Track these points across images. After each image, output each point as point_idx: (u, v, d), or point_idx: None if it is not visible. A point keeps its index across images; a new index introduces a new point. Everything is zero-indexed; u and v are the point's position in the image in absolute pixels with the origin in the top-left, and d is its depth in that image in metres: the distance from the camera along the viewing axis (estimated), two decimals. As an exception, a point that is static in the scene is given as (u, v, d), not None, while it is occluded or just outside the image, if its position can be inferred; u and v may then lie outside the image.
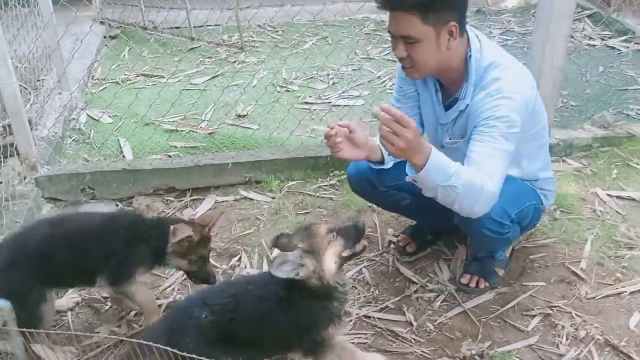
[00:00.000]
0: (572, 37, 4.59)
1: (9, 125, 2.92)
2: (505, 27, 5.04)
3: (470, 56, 1.87)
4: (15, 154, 2.94)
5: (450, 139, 2.04)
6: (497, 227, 1.95)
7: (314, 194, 2.93)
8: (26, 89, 3.54)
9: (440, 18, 1.76)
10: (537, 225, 2.38)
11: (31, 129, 2.98)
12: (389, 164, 2.12)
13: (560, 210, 2.64)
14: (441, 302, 2.21)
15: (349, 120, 2.28)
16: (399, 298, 2.25)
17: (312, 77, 4.21)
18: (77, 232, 2.05)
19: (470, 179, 1.70)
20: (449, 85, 1.98)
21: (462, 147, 1.91)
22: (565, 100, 3.69)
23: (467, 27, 1.88)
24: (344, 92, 3.96)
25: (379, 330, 2.12)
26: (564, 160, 3.03)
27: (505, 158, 1.79)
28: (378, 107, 1.63)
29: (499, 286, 2.26)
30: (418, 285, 2.29)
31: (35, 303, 1.98)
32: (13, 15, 3.54)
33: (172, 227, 1.99)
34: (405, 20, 1.77)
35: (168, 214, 2.84)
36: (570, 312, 2.12)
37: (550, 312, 2.13)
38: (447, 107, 2.00)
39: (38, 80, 3.68)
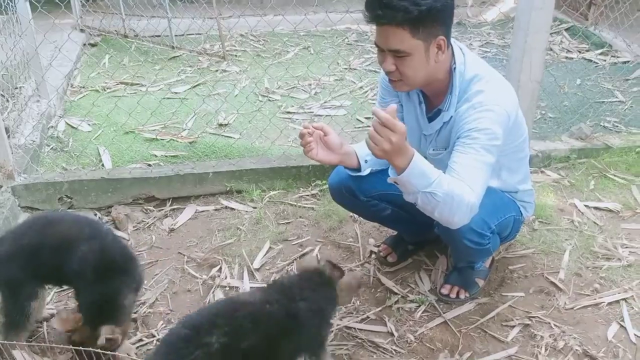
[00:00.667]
0: (550, 49, 4.68)
1: (-15, 133, 2.86)
2: (485, 39, 5.12)
3: (454, 69, 1.89)
4: (-9, 162, 2.88)
5: (433, 150, 2.05)
6: (477, 238, 1.97)
7: (295, 203, 2.92)
8: (3, 96, 3.48)
9: (429, 32, 1.77)
10: (517, 236, 2.41)
11: (8, 137, 2.93)
12: (366, 171, 2.13)
13: (539, 221, 2.67)
14: (422, 313, 2.21)
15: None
16: (380, 309, 2.25)
17: (294, 87, 4.22)
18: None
19: (451, 188, 1.70)
20: (433, 97, 1.99)
21: (446, 158, 1.93)
22: (543, 112, 3.74)
23: (452, 40, 1.90)
24: (325, 102, 3.98)
25: (360, 341, 2.11)
26: (542, 172, 3.07)
27: (486, 170, 1.80)
28: (375, 108, 1.65)
29: (479, 297, 2.27)
30: (399, 296, 2.30)
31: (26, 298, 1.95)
32: (-10, 22, 3.49)
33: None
34: (395, 35, 1.75)
35: (147, 223, 2.81)
36: (549, 323, 2.13)
37: (529, 322, 2.14)
38: (431, 119, 2.02)
39: (16, 88, 3.62)
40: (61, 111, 3.76)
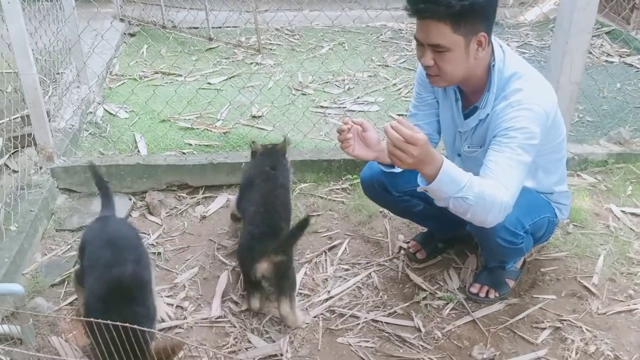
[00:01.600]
0: (590, 52, 4.58)
1: (28, 116, 2.95)
2: (523, 40, 5.04)
3: (493, 65, 1.87)
4: (32, 144, 2.97)
5: (468, 147, 2.03)
6: (510, 237, 1.95)
7: (325, 196, 2.94)
8: (45, 81, 3.57)
9: (470, 28, 1.75)
10: (550, 238, 2.37)
11: (49, 120, 3.01)
12: (399, 168, 2.12)
13: (574, 225, 2.63)
14: (450, 310, 2.21)
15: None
16: (407, 304, 2.24)
17: (327, 82, 4.22)
18: None
19: (482, 190, 1.68)
20: (470, 94, 1.97)
21: (480, 156, 1.91)
22: (581, 115, 3.67)
23: (492, 37, 1.88)
24: (358, 97, 3.97)
25: (386, 335, 2.11)
26: (578, 175, 3.02)
27: (523, 169, 1.78)
28: (388, 125, 1.60)
29: (509, 297, 2.25)
30: (427, 293, 2.29)
31: None
32: (36, 8, 3.58)
33: None
34: (436, 29, 1.74)
35: (180, 210, 2.86)
36: (581, 327, 2.10)
37: (560, 325, 2.11)
38: (467, 116, 2.00)
39: (57, 73, 3.72)
40: (100, 98, 3.85)
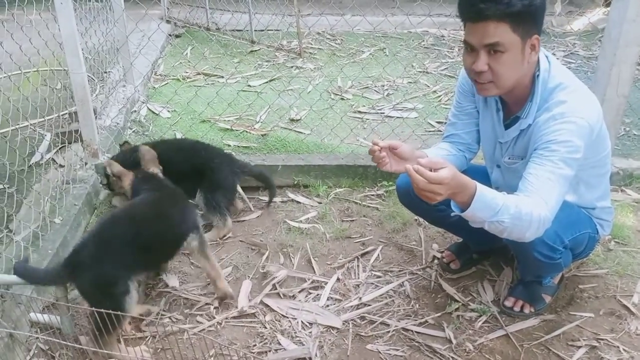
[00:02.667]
0: (639, 65, 4.43)
1: (75, 113, 3.06)
2: (569, 49, 4.92)
3: (537, 75, 1.83)
4: (78, 140, 3.08)
5: (509, 158, 2.00)
6: (549, 252, 1.90)
7: (360, 202, 2.94)
8: (93, 79, 3.70)
9: (527, 30, 1.72)
10: (590, 254, 2.31)
11: (95, 118, 3.11)
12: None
13: (616, 241, 2.55)
14: (482, 323, 2.17)
15: (398, 139, 2.30)
16: (439, 314, 2.22)
17: (367, 87, 4.23)
18: None
19: (518, 211, 1.65)
20: (512, 104, 1.94)
21: (521, 168, 1.87)
22: (627, 129, 3.56)
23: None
24: (397, 103, 3.96)
25: (416, 344, 2.09)
26: (622, 190, 2.92)
27: (563, 183, 1.74)
28: (410, 168, 1.58)
29: (544, 313, 2.20)
30: (460, 304, 2.26)
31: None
32: (87, 8, 3.72)
33: None
34: (495, 28, 1.69)
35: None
36: (618, 347, 2.03)
37: (597, 344, 2.05)
38: (508, 126, 1.97)
39: (105, 72, 3.85)
40: (144, 97, 3.96)
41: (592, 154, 1.86)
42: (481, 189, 1.64)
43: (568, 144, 1.72)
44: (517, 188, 1.76)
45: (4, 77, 2.58)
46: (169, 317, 2.23)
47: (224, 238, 2.70)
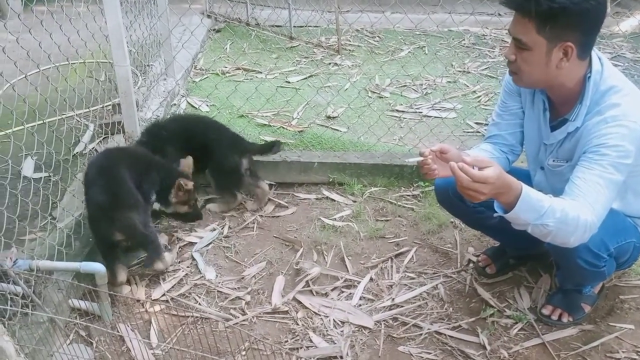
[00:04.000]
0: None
1: (119, 104, 3.12)
2: (616, 51, 4.77)
3: (589, 77, 1.78)
4: (121, 131, 3.15)
5: (553, 161, 1.95)
6: (593, 259, 1.85)
7: (395, 202, 2.92)
8: (136, 72, 3.77)
9: (556, 34, 1.68)
10: (633, 265, 2.24)
11: (137, 110, 3.18)
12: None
13: (660, 252, 2.46)
14: (518, 330, 2.13)
15: (441, 142, 2.28)
16: (473, 319, 2.19)
17: (405, 86, 4.19)
18: None
19: (564, 214, 1.62)
20: (560, 105, 1.89)
21: (566, 171, 1.83)
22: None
23: (593, 50, 1.79)
24: (436, 103, 3.91)
25: (449, 348, 2.07)
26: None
27: (612, 189, 1.69)
28: (455, 166, 1.58)
29: (583, 323, 2.14)
30: (495, 309, 2.22)
31: None
32: (132, 2, 3.79)
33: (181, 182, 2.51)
34: (521, 24, 1.71)
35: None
36: (660, 362, 1.97)
37: (636, 357, 1.99)
38: (554, 127, 1.92)
39: (147, 65, 3.91)
40: (184, 90, 4.01)
41: (638, 161, 1.80)
42: (527, 190, 1.62)
43: (619, 149, 1.68)
44: (560, 192, 1.72)
45: (52, 67, 2.65)
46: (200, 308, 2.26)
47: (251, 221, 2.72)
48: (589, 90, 1.78)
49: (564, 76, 1.78)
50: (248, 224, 2.80)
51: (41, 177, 2.84)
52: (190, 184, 2.55)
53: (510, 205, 1.62)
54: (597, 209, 1.65)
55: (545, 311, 2.16)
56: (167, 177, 2.55)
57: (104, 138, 3.24)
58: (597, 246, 1.81)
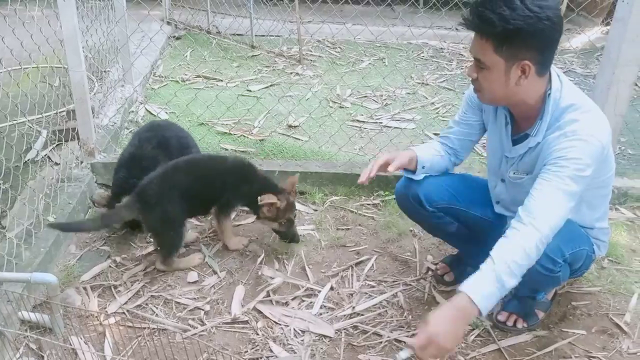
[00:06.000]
0: (637, 84, 4.47)
1: (73, 111, 3.04)
2: (567, 67, 4.96)
3: (549, 95, 1.84)
4: (75, 138, 3.07)
5: (514, 173, 2.01)
6: (550, 264, 1.89)
7: (356, 211, 2.93)
8: (92, 79, 3.69)
9: (513, 53, 1.74)
10: (585, 273, 2.31)
11: (93, 116, 3.10)
12: (420, 176, 2.18)
13: (609, 260, 2.56)
14: (475, 337, 2.16)
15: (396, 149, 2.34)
16: (432, 327, 2.21)
17: (365, 96, 4.24)
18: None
19: (516, 264, 1.66)
20: (521, 120, 1.95)
21: (526, 183, 1.88)
22: (622, 148, 3.59)
23: (552, 67, 1.85)
24: (396, 114, 3.97)
25: (408, 356, 2.08)
26: (617, 209, 2.94)
27: (569, 199, 1.74)
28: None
29: (537, 329, 2.20)
30: (453, 317, 2.25)
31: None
32: (89, 7, 3.71)
33: (259, 197, 2.41)
34: (479, 44, 1.77)
35: (211, 214, 2.89)
36: (610, 365, 2.04)
37: (588, 362, 2.06)
38: (516, 142, 1.98)
39: (104, 72, 3.83)
40: (142, 98, 3.95)
41: (598, 174, 1.86)
42: (473, 287, 1.63)
43: (577, 161, 1.73)
44: (520, 203, 1.77)
45: (4, 72, 2.56)
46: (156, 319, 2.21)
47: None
48: (549, 107, 1.83)
49: (524, 93, 1.84)
50: (208, 233, 2.76)
51: (-10, 185, 2.73)
52: (272, 200, 2.42)
53: (479, 311, 1.62)
54: (550, 221, 1.71)
55: (501, 317, 2.20)
56: (261, 190, 2.46)
57: (57, 145, 3.15)
58: (553, 252, 1.86)
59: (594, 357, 2.07)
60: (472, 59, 1.85)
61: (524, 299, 2.19)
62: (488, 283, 1.64)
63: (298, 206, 2.96)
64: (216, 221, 2.61)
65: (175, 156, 2.66)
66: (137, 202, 2.38)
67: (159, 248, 2.51)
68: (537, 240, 1.69)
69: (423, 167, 2.15)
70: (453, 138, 2.21)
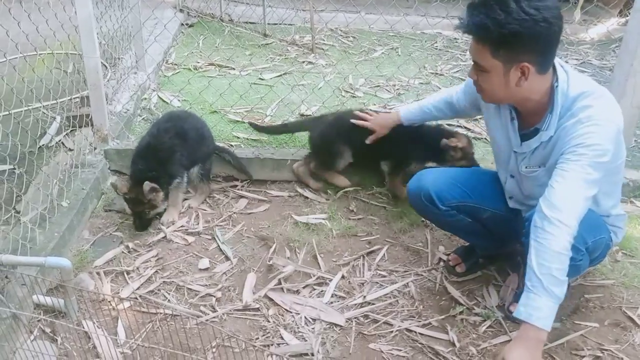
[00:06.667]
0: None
1: (87, 97, 3.05)
2: (583, 59, 4.89)
3: (556, 87, 1.82)
4: (89, 124, 3.08)
5: (526, 167, 1.99)
6: (573, 253, 1.88)
7: (368, 200, 2.93)
8: (105, 65, 3.70)
9: (511, 57, 1.74)
10: (598, 265, 2.30)
11: (106, 103, 3.11)
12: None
13: (623, 253, 2.54)
14: (487, 328, 2.16)
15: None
16: (443, 317, 2.22)
17: (378, 86, 4.21)
18: None
19: (560, 268, 1.69)
20: (528, 116, 1.93)
21: (540, 175, 1.87)
22: (638, 140, 3.54)
23: (555, 60, 1.83)
24: (409, 103, 3.93)
25: (419, 345, 2.09)
26: (631, 202, 2.91)
27: (591, 188, 1.73)
28: None
29: (549, 321, 2.19)
30: (464, 307, 2.25)
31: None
32: (103, -7, 3.71)
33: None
34: (477, 49, 1.79)
35: (223, 202, 2.91)
36: (622, 358, 2.03)
37: (600, 355, 2.05)
38: (526, 137, 1.95)
39: (118, 58, 3.84)
40: (155, 85, 3.95)
41: (613, 159, 1.84)
42: (536, 319, 1.67)
43: (596, 147, 1.72)
44: (532, 196, 1.75)
45: (20, 57, 2.57)
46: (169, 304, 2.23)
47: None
48: (557, 99, 1.82)
49: (527, 92, 1.83)
50: (220, 220, 2.77)
51: (5, 170, 2.76)
52: (456, 141, 2.67)
53: (546, 331, 1.69)
54: (574, 214, 1.71)
55: (513, 309, 2.19)
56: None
57: (71, 131, 3.17)
58: (577, 240, 1.84)
59: (606, 350, 2.06)
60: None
61: (536, 291, 2.17)
62: (543, 302, 1.68)
63: (310, 195, 2.97)
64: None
65: (192, 147, 2.72)
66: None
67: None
68: (568, 237, 1.71)
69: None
70: (462, 103, 2.35)
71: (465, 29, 1.77)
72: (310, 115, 3.67)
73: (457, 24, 1.80)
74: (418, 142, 2.72)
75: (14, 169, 2.47)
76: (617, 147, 1.82)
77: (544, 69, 1.79)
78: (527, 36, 1.69)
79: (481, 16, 1.70)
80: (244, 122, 3.49)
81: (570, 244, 1.71)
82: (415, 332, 2.14)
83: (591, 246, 1.94)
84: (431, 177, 2.21)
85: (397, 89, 4.16)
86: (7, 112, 2.40)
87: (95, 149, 3.02)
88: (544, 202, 1.74)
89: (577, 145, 1.73)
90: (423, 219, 2.72)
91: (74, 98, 3.30)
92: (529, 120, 1.94)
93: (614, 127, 1.74)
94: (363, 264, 2.50)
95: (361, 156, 2.89)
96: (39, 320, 2.11)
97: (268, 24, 5.06)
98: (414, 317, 2.22)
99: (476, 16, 1.72)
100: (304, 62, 4.60)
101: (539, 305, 1.68)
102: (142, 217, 2.64)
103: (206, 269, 2.45)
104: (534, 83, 1.80)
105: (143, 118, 3.54)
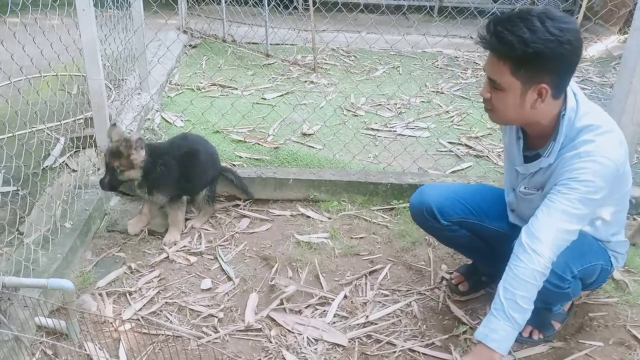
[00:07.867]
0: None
1: (91, 118, 3.08)
2: (583, 76, 4.92)
3: (563, 115, 1.80)
4: (92, 145, 3.10)
5: (524, 188, 1.98)
6: (557, 280, 1.87)
7: (370, 219, 2.93)
8: (109, 87, 3.74)
9: (531, 76, 1.70)
10: (598, 288, 2.28)
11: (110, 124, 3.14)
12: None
13: (627, 271, 2.52)
14: (490, 348, 2.14)
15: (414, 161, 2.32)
16: (446, 336, 2.20)
17: (380, 105, 4.24)
18: None
19: (525, 296, 1.71)
20: (534, 139, 1.92)
21: (536, 199, 1.86)
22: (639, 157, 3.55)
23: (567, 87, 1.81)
24: (410, 122, 3.97)
25: (422, 366, 2.07)
26: (634, 219, 2.90)
27: (576, 222, 1.72)
28: None
29: (553, 340, 2.17)
30: (467, 327, 2.24)
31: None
32: (107, 16, 3.77)
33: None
34: (496, 66, 1.73)
35: (226, 221, 2.91)
36: (628, 378, 2.01)
37: (605, 374, 2.03)
38: (528, 159, 1.95)
39: (121, 80, 3.88)
40: (159, 105, 3.99)
41: (613, 192, 1.82)
42: (491, 340, 1.71)
43: (589, 184, 1.70)
44: (527, 219, 1.76)
45: (24, 79, 2.61)
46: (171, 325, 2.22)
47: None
48: (562, 128, 1.79)
49: (539, 115, 1.79)
50: (223, 240, 2.77)
51: (9, 191, 2.77)
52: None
53: (500, 354, 1.71)
54: (552, 245, 1.71)
55: (516, 329, 2.17)
56: None
57: (74, 152, 3.19)
58: (560, 268, 1.84)
59: (611, 370, 2.04)
60: (486, 78, 1.81)
61: (539, 310, 2.13)
62: (501, 326, 1.70)
63: (312, 214, 2.97)
64: None
65: (203, 171, 2.85)
66: None
67: None
68: (539, 267, 1.71)
69: None
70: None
71: (487, 44, 1.71)
72: (312, 134, 3.70)
73: (478, 39, 1.74)
74: None
75: (18, 190, 2.48)
76: (618, 180, 1.79)
77: (559, 93, 1.76)
78: (550, 57, 1.65)
79: (506, 32, 1.65)
80: (246, 142, 3.52)
81: (543, 274, 1.71)
82: (419, 352, 2.13)
83: (579, 273, 1.92)
84: (434, 192, 2.21)
85: (399, 108, 4.20)
86: (11, 134, 2.42)
87: (98, 169, 3.04)
88: (525, 230, 1.74)
89: (570, 179, 1.72)
90: (425, 237, 2.72)
91: (77, 119, 3.33)
92: (534, 142, 1.93)
93: (611, 165, 1.71)
94: (365, 283, 2.49)
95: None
96: (41, 343, 2.10)
97: (270, 44, 5.13)
98: (417, 337, 2.20)
99: (500, 32, 1.67)
100: (305, 81, 4.65)
101: (497, 328, 1.70)
102: (114, 174, 2.57)
103: (208, 289, 2.45)
104: (547, 106, 1.77)
105: (147, 138, 3.56)
